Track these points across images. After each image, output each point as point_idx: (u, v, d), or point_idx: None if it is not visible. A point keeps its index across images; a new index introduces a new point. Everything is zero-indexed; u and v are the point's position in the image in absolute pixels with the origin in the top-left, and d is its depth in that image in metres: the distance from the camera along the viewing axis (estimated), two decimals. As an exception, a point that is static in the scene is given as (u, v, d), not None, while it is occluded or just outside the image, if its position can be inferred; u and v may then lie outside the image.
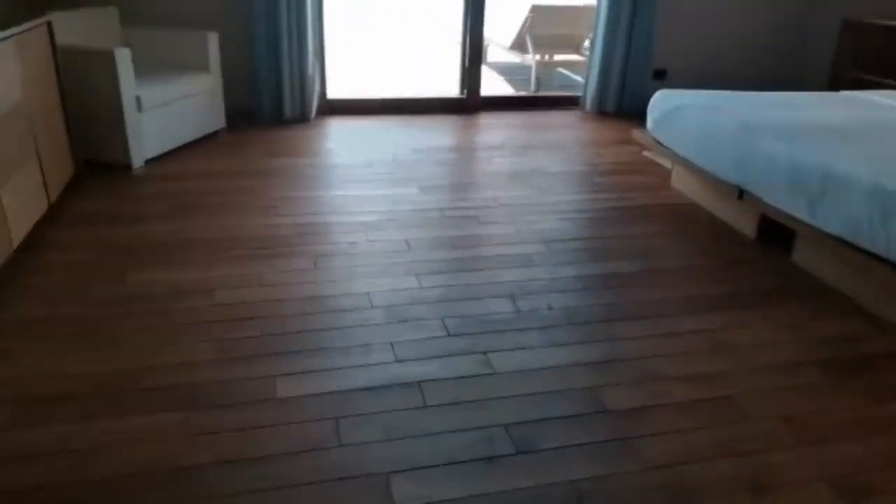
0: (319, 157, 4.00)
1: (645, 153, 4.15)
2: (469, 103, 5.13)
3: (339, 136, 4.47)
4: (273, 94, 4.62)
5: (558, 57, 6.55)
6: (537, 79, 5.88)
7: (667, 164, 3.66)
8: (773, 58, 5.57)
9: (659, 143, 3.44)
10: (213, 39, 4.12)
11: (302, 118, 4.69)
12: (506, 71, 6.92)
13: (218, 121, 4.28)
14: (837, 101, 3.43)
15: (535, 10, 5.89)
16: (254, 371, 1.98)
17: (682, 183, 3.48)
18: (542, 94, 5.82)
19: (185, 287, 2.45)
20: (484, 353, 2.10)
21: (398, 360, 2.05)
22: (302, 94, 4.66)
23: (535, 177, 3.76)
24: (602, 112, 5.18)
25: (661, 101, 3.37)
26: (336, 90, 5.05)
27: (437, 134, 4.57)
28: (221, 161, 3.85)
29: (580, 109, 5.25)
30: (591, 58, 5.15)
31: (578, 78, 6.54)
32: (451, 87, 5.29)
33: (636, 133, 3.71)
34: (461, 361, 2.05)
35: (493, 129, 4.72)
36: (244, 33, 4.49)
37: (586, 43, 6.47)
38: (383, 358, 2.06)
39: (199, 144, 4.07)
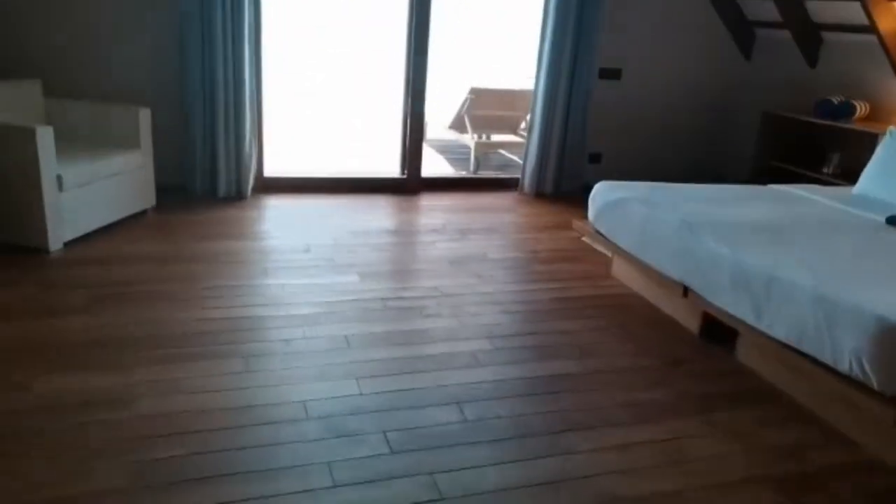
0: (254, 241, 3.84)
1: (584, 239, 4.17)
2: (409, 184, 5.10)
3: (276, 216, 4.33)
4: (207, 171, 4.47)
5: (496, 137, 6.66)
6: (476, 159, 5.93)
7: (607, 251, 3.67)
8: (698, 146, 5.81)
9: (600, 233, 3.45)
10: (144, 116, 3.97)
11: (237, 196, 4.54)
12: (445, 149, 6.98)
13: (147, 199, 4.08)
14: (768, 196, 3.55)
15: (475, 91, 6.00)
16: (173, 502, 1.78)
17: (624, 273, 3.49)
18: (481, 175, 5.86)
19: (100, 395, 2.23)
20: (430, 473, 1.96)
21: (336, 485, 1.88)
22: (238, 172, 4.53)
23: (476, 263, 3.70)
24: (540, 194, 5.24)
25: (602, 193, 3.41)
26: (273, 166, 4.94)
27: (378, 215, 4.50)
28: (148, 244, 3.64)
29: (518, 191, 5.29)
30: (528, 141, 5.23)
31: (516, 158, 6.66)
32: (390, 166, 5.26)
33: (576, 223, 3.73)
34: (405, 485, 1.90)
35: (434, 211, 4.68)
36: (177, 108, 4.36)
37: (523, 124, 6.63)
38: (320, 482, 1.89)
39: (124, 225, 3.85)
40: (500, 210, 4.84)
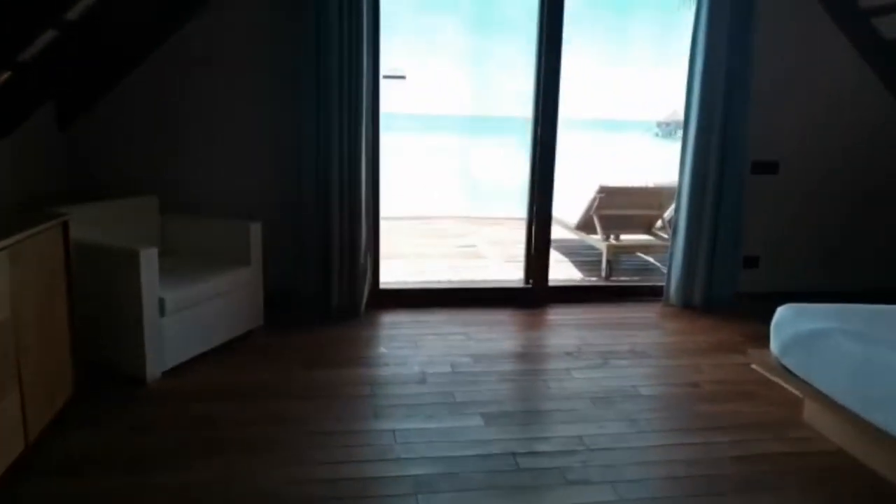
0: (366, 368, 3.41)
1: (755, 367, 3.42)
2: (535, 295, 4.56)
3: (390, 336, 3.90)
4: (319, 284, 4.14)
5: (629, 237, 6.05)
6: (609, 263, 5.33)
7: (797, 391, 2.92)
8: (868, 245, 4.92)
9: (787, 368, 2.73)
10: (255, 231, 3.72)
11: (351, 312, 4.17)
12: (570, 251, 6.43)
13: (254, 319, 3.78)
14: None
15: (604, 190, 5.47)
16: None
17: (822, 421, 2.72)
18: (616, 281, 5.23)
19: None
20: None
21: None
22: (351, 286, 4.18)
23: (625, 402, 3.06)
24: (688, 305, 4.53)
25: (790, 321, 2.71)
26: (388, 276, 4.58)
27: (501, 334, 3.97)
28: (252, 373, 3.28)
29: (663, 302, 4.61)
30: (673, 244, 4.58)
31: (653, 261, 5.98)
32: (513, 272, 4.77)
33: (755, 356, 3.01)
34: None
35: (565, 329, 4.10)
36: (290, 217, 4.11)
37: (658, 223, 5.99)
38: None
39: (229, 348, 3.54)
40: (643, 326, 4.17)
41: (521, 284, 4.66)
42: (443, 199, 9.71)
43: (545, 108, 4.37)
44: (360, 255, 4.15)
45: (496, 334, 3.95)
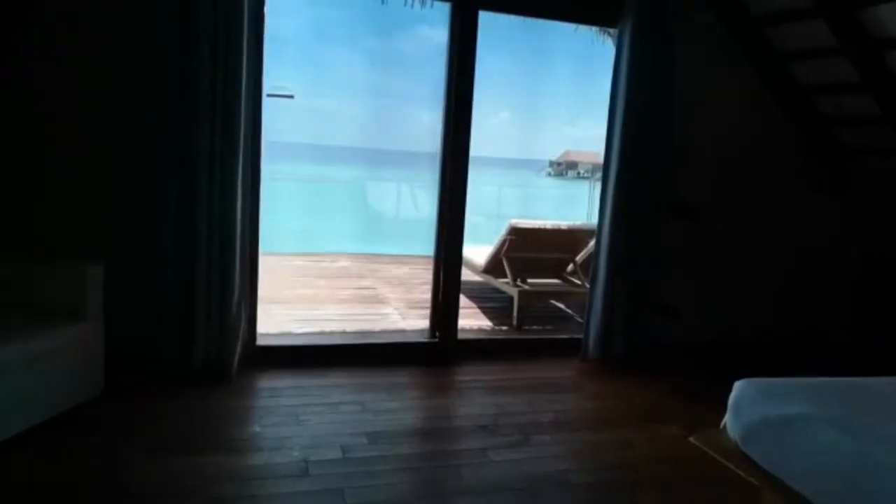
0: (232, 455, 2.67)
1: (692, 440, 2.96)
2: (442, 351, 3.98)
3: (267, 407, 3.19)
4: (179, 340, 3.38)
5: (538, 281, 5.61)
6: (520, 311, 4.84)
7: (754, 480, 2.46)
8: (792, 296, 4.72)
9: (748, 457, 2.27)
10: (94, 276, 2.94)
11: (219, 374, 3.41)
12: (477, 295, 5.92)
13: (90, 387, 2.96)
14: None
15: (515, 231, 5.01)
16: None
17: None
18: (531, 335, 4.72)
19: None
20: None
21: None
22: (221, 341, 3.43)
23: (554, 494, 2.51)
24: (608, 358, 4.09)
25: (753, 401, 2.25)
26: (269, 325, 3.88)
27: (404, 403, 3.35)
28: (76, 463, 2.48)
29: (581, 356, 4.15)
30: (591, 294, 4.15)
31: (562, 306, 5.56)
32: (418, 320, 4.18)
33: (704, 439, 2.52)
34: None
35: (477, 394, 3.53)
36: (143, 262, 3.34)
37: (570, 267, 5.59)
38: None
39: (52, 428, 2.70)
40: (564, 388, 3.68)
41: (426, 338, 4.07)
42: (338, 235, 9.01)
43: (455, 141, 3.86)
44: (233, 301, 3.43)
45: (398, 402, 3.32)
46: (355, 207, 10.37)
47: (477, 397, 3.46)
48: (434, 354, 3.96)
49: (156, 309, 3.35)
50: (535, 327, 4.97)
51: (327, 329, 4.50)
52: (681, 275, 4.38)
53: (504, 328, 4.89)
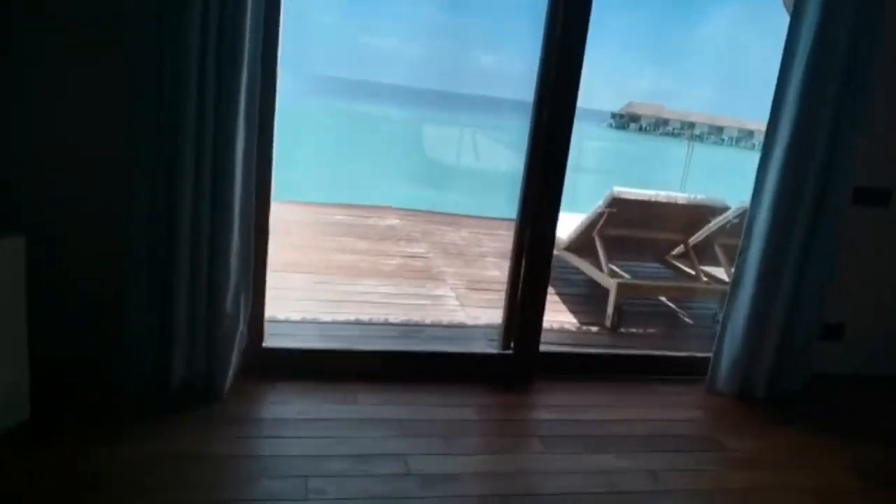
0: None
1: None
2: (517, 368, 2.88)
3: (265, 459, 2.15)
4: (151, 345, 2.36)
5: (629, 263, 4.44)
6: (617, 311, 3.68)
7: None
8: None
9: None
10: (13, 252, 1.91)
11: (206, 394, 2.41)
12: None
13: (9, 413, 1.98)
14: None
15: (618, 202, 3.81)
16: None
17: None
18: (631, 344, 3.55)
19: None
20: None
21: None
22: (210, 349, 2.41)
23: None
24: (745, 392, 2.94)
25: None
26: (281, 307, 2.87)
27: (466, 461, 2.27)
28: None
29: (706, 385, 3.00)
30: (731, 301, 2.96)
31: (662, 298, 4.36)
32: (481, 309, 3.09)
33: None
34: None
35: (573, 447, 2.43)
36: (100, 235, 2.31)
37: (676, 250, 4.39)
38: None
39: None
40: (695, 442, 2.55)
41: (495, 346, 2.97)
42: (388, 184, 7.91)
43: (558, 88, 2.66)
44: (227, 295, 2.39)
45: (458, 461, 2.24)
46: (409, 153, 9.22)
47: (572, 455, 2.36)
48: (506, 373, 2.87)
49: (115, 305, 2.33)
50: (633, 330, 3.82)
51: (364, 316, 3.45)
52: (853, 280, 3.16)
53: (594, 329, 3.75)
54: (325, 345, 2.84)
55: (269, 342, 2.68)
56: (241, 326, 2.48)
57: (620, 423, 2.62)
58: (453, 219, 6.49)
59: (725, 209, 4.00)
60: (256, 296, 2.56)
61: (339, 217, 5.92)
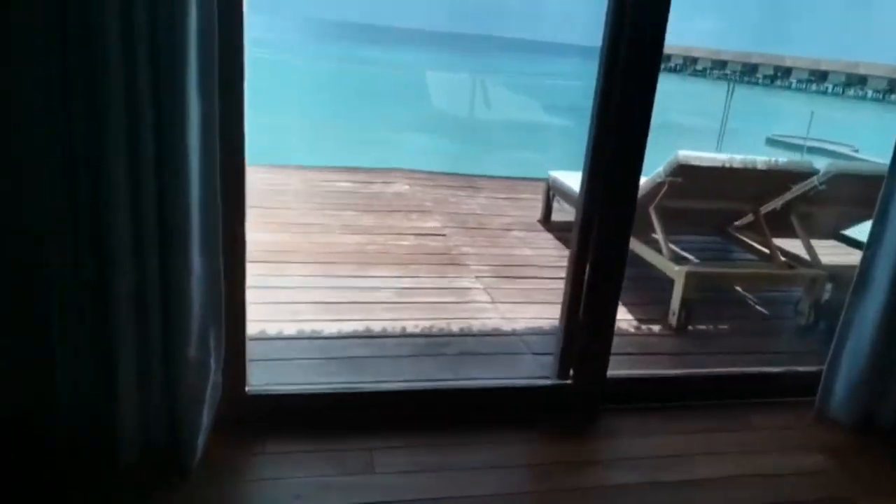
0: None
1: None
2: (579, 400, 2.22)
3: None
4: (85, 401, 1.70)
5: (686, 238, 3.75)
6: (685, 307, 2.99)
7: None
8: None
9: None
10: None
11: (167, 467, 1.76)
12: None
13: None
14: None
15: (683, 171, 3.08)
16: None
17: None
18: (715, 369, 2.80)
19: None
20: None
21: None
22: (170, 406, 1.76)
23: None
24: (869, 422, 2.29)
25: None
26: (262, 312, 2.20)
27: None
28: None
29: (816, 412, 2.34)
30: (852, 307, 2.28)
31: (750, 298, 3.65)
32: (518, 309, 2.41)
33: None
34: None
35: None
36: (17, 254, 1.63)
37: (744, 220, 3.69)
38: None
39: None
40: (816, 501, 1.91)
41: (549, 377, 2.29)
42: (394, 141, 7.14)
43: (642, 18, 1.91)
44: (190, 330, 1.71)
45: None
46: (416, 103, 8.39)
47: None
48: (565, 408, 2.21)
49: (32, 348, 1.66)
50: (702, 328, 3.14)
51: (376, 324, 2.78)
52: None
53: (655, 328, 3.07)
54: (327, 385, 2.16)
55: (254, 384, 2.02)
56: (214, 373, 1.81)
57: (724, 485, 1.97)
58: (468, 180, 5.75)
59: (811, 174, 3.28)
60: (233, 325, 1.88)
61: (340, 183, 5.19)
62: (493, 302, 3.16)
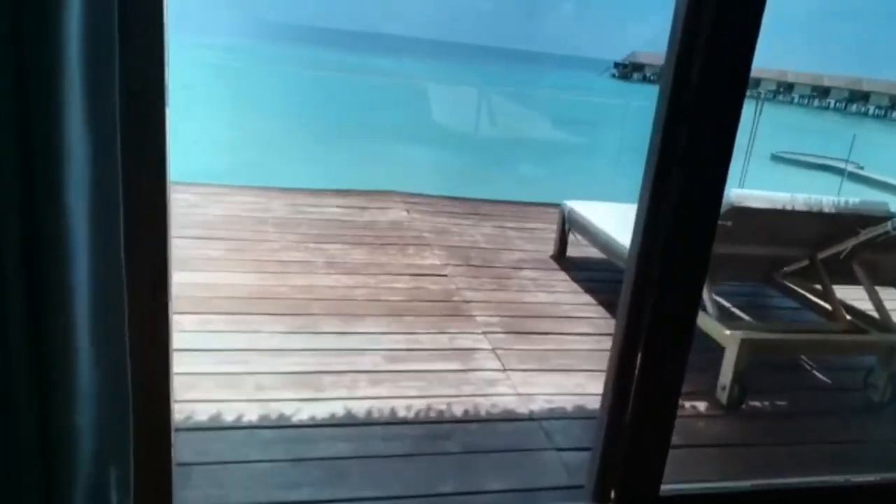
0: None
1: None
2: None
3: None
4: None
5: (729, 287, 3.20)
6: (738, 381, 2.45)
7: None
8: None
9: None
10: None
11: None
12: (599, 283, 3.56)
13: None
14: None
15: (739, 214, 2.54)
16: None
17: None
18: (792, 479, 2.19)
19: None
20: None
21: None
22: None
23: None
24: None
25: None
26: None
27: None
28: None
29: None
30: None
31: (818, 374, 3.09)
32: (531, 384, 1.87)
33: None
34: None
35: None
36: None
37: (793, 267, 3.14)
38: None
39: None
40: None
41: (582, 498, 1.74)
42: (389, 159, 6.60)
43: (722, 33, 1.38)
44: (74, 477, 1.16)
45: None
46: (414, 118, 7.87)
47: None
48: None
49: None
50: (756, 403, 2.59)
51: (359, 407, 2.22)
52: None
53: (701, 407, 2.51)
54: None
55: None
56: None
57: None
58: (472, 206, 5.21)
59: (886, 217, 2.74)
60: (153, 452, 1.33)
61: (329, 209, 4.65)
62: (504, 369, 2.60)
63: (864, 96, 44.66)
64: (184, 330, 2.60)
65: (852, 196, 2.87)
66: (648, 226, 1.56)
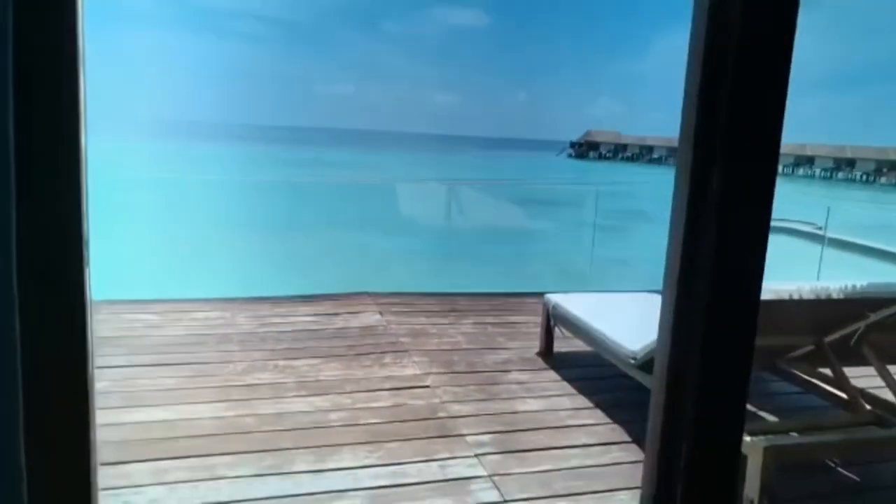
0: None
1: None
2: None
3: None
4: None
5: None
6: (766, 494, 2.19)
7: None
8: None
9: None
10: None
11: None
12: (591, 383, 3.30)
13: None
14: None
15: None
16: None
17: None
18: None
19: None
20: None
21: None
22: None
23: None
24: None
25: None
26: None
27: None
28: None
29: None
30: None
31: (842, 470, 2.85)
32: None
33: None
34: None
35: None
36: None
37: (796, 353, 2.94)
38: None
39: None
40: None
41: None
42: (360, 260, 6.40)
43: (740, 118, 1.20)
44: None
45: None
46: (382, 212, 7.74)
47: None
48: None
49: None
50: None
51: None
52: None
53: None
54: None
55: None
56: None
57: None
58: (448, 301, 4.98)
59: (894, 299, 2.57)
60: None
61: (298, 318, 4.37)
62: (504, 502, 2.29)
63: (849, 163, 46.34)
64: (136, 485, 2.25)
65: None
66: (680, 317, 1.32)
